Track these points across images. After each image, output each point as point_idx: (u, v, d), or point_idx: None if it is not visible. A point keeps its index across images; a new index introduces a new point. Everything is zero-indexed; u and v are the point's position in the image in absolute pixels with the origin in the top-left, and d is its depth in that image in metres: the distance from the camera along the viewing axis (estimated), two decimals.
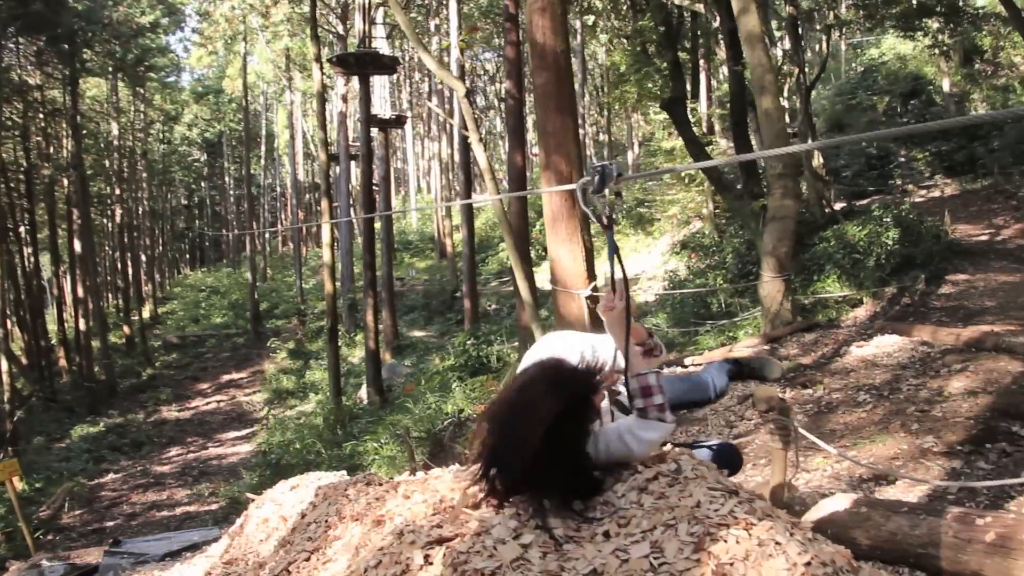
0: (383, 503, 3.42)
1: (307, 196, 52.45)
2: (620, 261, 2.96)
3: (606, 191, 2.82)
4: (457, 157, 30.15)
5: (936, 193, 23.10)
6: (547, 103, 9.72)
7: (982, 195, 21.21)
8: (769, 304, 11.30)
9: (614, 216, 2.99)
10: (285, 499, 5.65)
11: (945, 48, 26.31)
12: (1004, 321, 11.02)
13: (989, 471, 6.17)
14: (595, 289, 10.53)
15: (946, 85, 26.72)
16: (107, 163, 36.00)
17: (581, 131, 26.00)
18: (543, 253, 29.29)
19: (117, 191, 35.58)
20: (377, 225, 33.31)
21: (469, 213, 23.65)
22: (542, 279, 16.18)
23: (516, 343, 20.10)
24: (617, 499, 2.87)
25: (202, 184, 61.52)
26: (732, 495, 2.83)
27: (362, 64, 25.11)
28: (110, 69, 31.71)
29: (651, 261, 26.85)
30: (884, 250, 14.69)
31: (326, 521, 3.68)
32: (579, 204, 3.04)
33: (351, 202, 33.86)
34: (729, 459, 3.54)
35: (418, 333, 29.40)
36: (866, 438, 7.03)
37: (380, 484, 3.91)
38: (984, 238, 17.08)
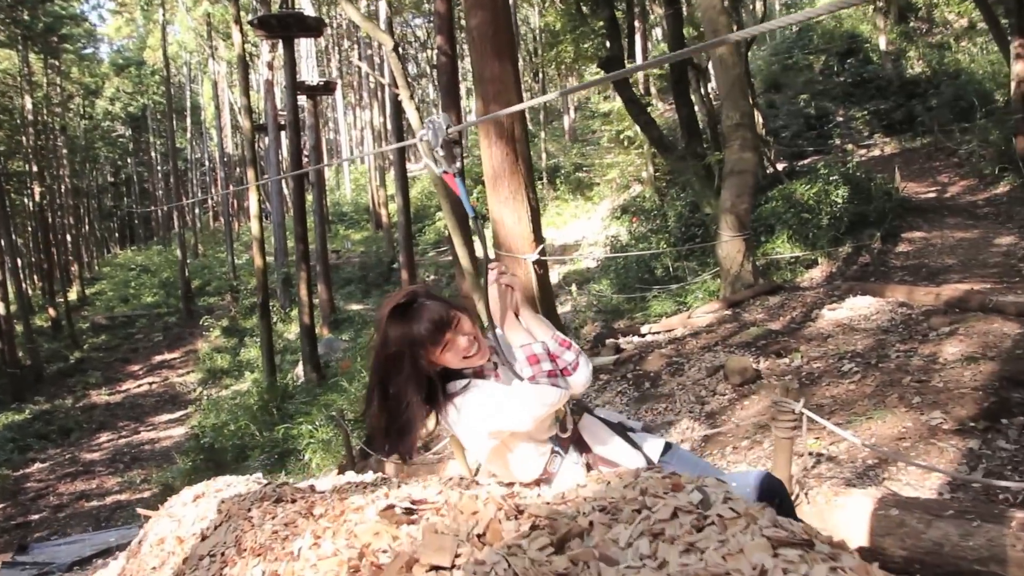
0: (292, 533, 2.72)
1: (237, 170, 50.33)
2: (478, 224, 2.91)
3: (440, 146, 2.79)
4: (390, 125, 28.79)
5: (876, 152, 22.63)
6: (483, 47, 8.58)
7: (923, 153, 20.81)
8: (729, 265, 10.35)
9: (457, 164, 2.91)
10: (185, 514, 4.74)
11: (880, 6, 25.74)
12: (970, 279, 10.32)
13: (1013, 451, 5.27)
14: (543, 252, 9.49)
15: (882, 43, 26.11)
16: (23, 139, 33.69)
17: None
18: (481, 221, 28.24)
19: (35, 168, 33.28)
20: (309, 197, 31.86)
21: (404, 182, 22.41)
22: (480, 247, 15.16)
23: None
24: (619, 550, 1.86)
25: (128, 161, 58.74)
26: (808, 548, 1.79)
27: (285, 26, 23.49)
28: (18, 39, 29.48)
29: (591, 227, 25.93)
30: (834, 209, 14.10)
31: (223, 555, 3.03)
32: (426, 158, 2.88)
33: (281, 174, 32.22)
34: (772, 494, 2.67)
35: (356, 306, 28.14)
36: (861, 414, 6.10)
37: (292, 500, 3.36)
38: (932, 195, 16.55)
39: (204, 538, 3.41)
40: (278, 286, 28.61)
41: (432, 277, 27.74)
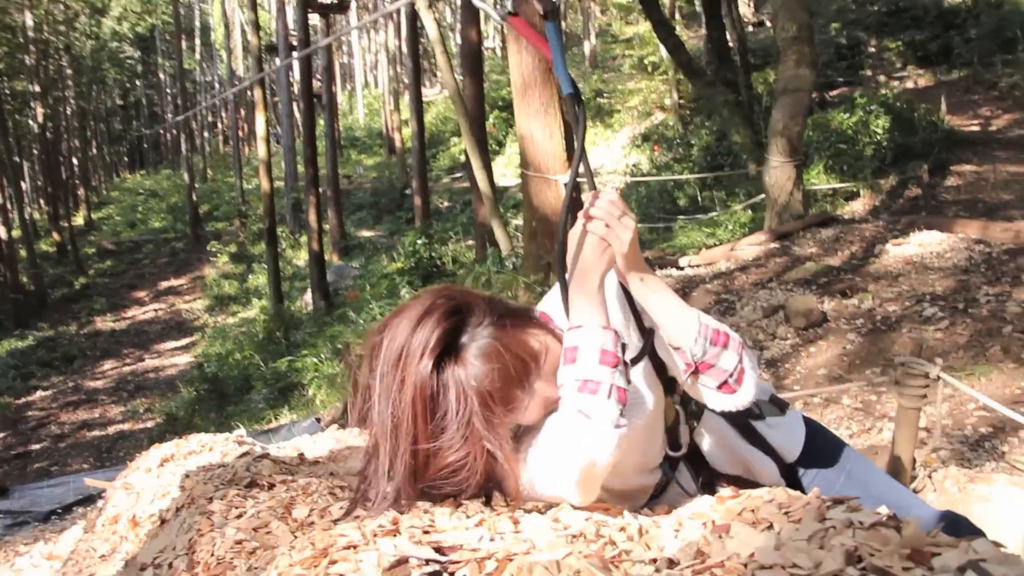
0: (261, 545, 2.06)
1: (248, 94, 48.53)
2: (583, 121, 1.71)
3: None
4: (405, 48, 27.42)
5: (910, 84, 21.29)
6: None
7: (960, 86, 19.57)
8: (776, 194, 9.29)
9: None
10: (145, 485, 3.93)
11: None
12: None
13: None
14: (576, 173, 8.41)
15: None
16: (25, 59, 32.25)
17: None
18: (497, 148, 27.13)
19: (37, 88, 31.88)
20: (320, 122, 30.67)
21: (419, 106, 21.23)
22: (497, 175, 14.21)
23: (472, 242, 18.14)
24: None
25: (137, 83, 56.92)
26: None
27: None
28: None
29: (611, 155, 24.72)
30: (876, 139, 12.98)
31: (170, 566, 2.34)
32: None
33: (291, 97, 30.93)
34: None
35: (366, 233, 27.13)
36: (958, 369, 5.10)
37: (269, 486, 2.76)
38: (976, 128, 15.33)
39: (163, 522, 2.81)
40: (287, 211, 27.60)
41: (446, 204, 26.67)
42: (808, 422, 2.09)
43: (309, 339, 14.42)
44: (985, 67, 19.14)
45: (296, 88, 31.27)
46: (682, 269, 9.28)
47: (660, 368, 1.74)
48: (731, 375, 1.62)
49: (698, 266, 9.20)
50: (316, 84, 30.53)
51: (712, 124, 18.64)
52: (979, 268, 6.82)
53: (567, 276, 1.59)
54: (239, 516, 2.40)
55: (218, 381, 14.99)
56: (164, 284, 30.05)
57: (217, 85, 47.13)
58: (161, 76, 52.84)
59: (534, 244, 8.89)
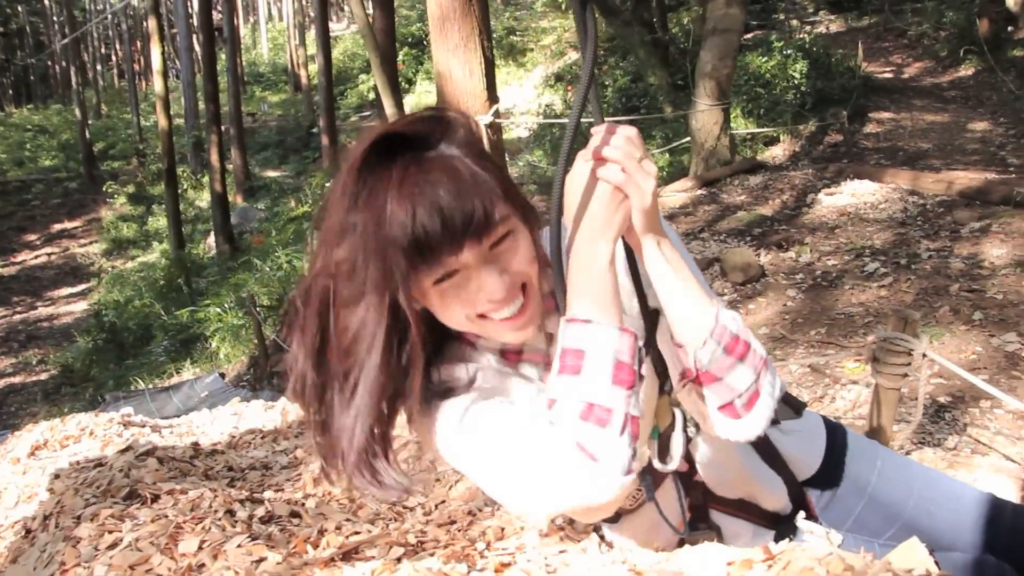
0: None
1: (144, 24, 45.61)
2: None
3: None
4: None
5: (822, 29, 21.17)
6: None
7: (871, 33, 19.60)
8: (703, 139, 8.91)
9: None
10: (10, 481, 3.36)
11: None
12: (952, 165, 9.12)
13: None
14: (497, 114, 7.85)
15: None
16: None
17: None
18: (407, 87, 26.15)
19: None
20: (222, 56, 29.12)
21: (326, 41, 20.13)
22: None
23: None
24: None
25: (19, 8, 53.06)
26: None
27: None
28: None
29: (523, 94, 24.08)
30: (794, 84, 12.71)
31: None
32: None
33: (190, 29, 29.16)
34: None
35: (272, 173, 25.95)
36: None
37: (153, 499, 2.35)
38: (889, 76, 15.22)
39: (28, 532, 2.43)
40: (188, 150, 26.14)
41: (354, 143, 25.66)
42: (827, 424, 1.70)
43: (213, 287, 13.62)
44: (895, 15, 19.17)
45: (196, 20, 29.51)
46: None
47: (658, 357, 1.33)
48: (740, 396, 1.23)
49: None
50: (216, 16, 28.88)
51: (627, 65, 18.20)
52: (916, 221, 6.56)
53: (566, 243, 1.15)
54: (112, 545, 1.99)
55: (116, 331, 14.09)
56: (57, 227, 28.23)
57: (110, 17, 44.40)
58: (46, 2, 49.28)
59: None
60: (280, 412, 4.53)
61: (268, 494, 2.85)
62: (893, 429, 3.33)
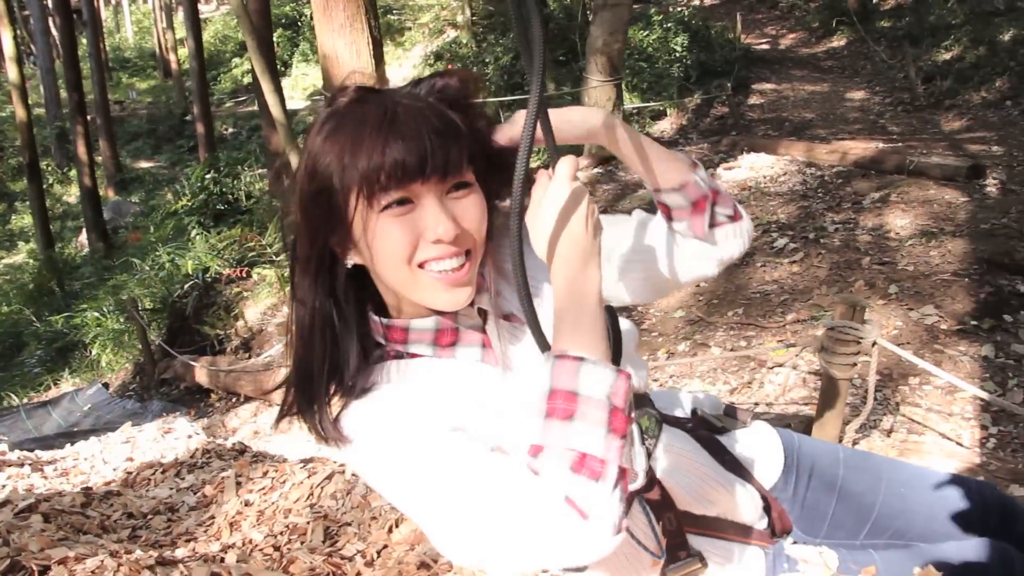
0: None
1: None
2: None
3: None
4: None
5: (697, 2, 21.30)
6: None
7: (745, 5, 19.71)
8: None
9: None
10: None
11: None
12: (840, 134, 9.22)
13: None
14: None
15: None
16: None
17: None
18: (282, 69, 25.14)
19: None
20: (83, 41, 27.37)
21: (196, 23, 19.00)
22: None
23: (262, 171, 16.60)
24: None
25: None
26: None
27: None
28: None
29: (403, 74, 23.51)
30: (677, 57, 12.70)
31: None
32: None
33: (45, 11, 27.24)
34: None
35: (145, 164, 24.56)
36: (824, 307, 4.67)
37: (42, 572, 1.93)
38: (767, 47, 15.40)
39: None
40: (52, 142, 24.47)
41: (231, 130, 24.53)
42: (777, 429, 1.65)
43: (88, 289, 12.65)
44: None
45: (50, 1, 27.59)
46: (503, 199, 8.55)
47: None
48: (734, 205, 1.42)
49: None
50: None
51: (507, 42, 17.91)
52: (817, 193, 6.49)
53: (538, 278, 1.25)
54: None
55: None
56: None
57: None
58: None
59: None
60: (180, 437, 4.04)
61: (181, 551, 2.43)
62: (842, 424, 3.16)
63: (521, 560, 0.97)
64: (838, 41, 14.63)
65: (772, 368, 4.28)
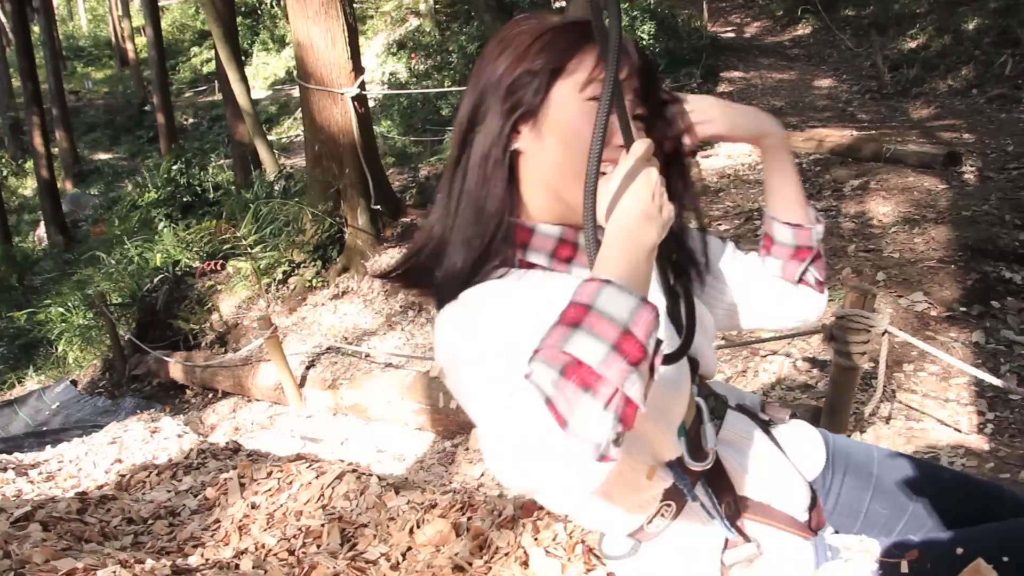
0: None
1: None
2: None
3: None
4: None
5: None
6: None
7: None
8: None
9: None
10: None
11: None
12: (810, 122, 9.26)
13: None
14: (363, 86, 7.31)
15: None
16: None
17: None
18: (244, 59, 24.73)
19: None
20: (35, 29, 26.68)
21: (154, 10, 18.59)
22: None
23: (224, 162, 16.34)
24: None
25: None
26: None
27: None
28: None
29: (366, 63, 23.19)
30: (644, 45, 12.65)
31: None
32: None
33: None
34: None
35: (104, 155, 24.05)
36: None
37: None
38: (733, 35, 15.43)
39: None
40: (5, 134, 23.90)
41: (191, 120, 24.10)
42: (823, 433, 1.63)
43: (51, 284, 12.31)
44: None
45: None
46: None
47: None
48: (826, 273, 1.47)
49: None
50: None
51: (472, 30, 17.78)
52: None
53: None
54: None
55: None
56: None
57: None
58: None
59: (319, 169, 7.68)
60: (169, 437, 3.92)
61: (193, 559, 2.33)
62: (850, 412, 3.15)
63: (506, 465, 0.91)
64: (803, 29, 14.70)
65: (766, 356, 4.27)
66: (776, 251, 1.42)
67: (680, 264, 1.31)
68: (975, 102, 9.09)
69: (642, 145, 1.06)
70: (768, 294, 1.45)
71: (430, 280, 1.22)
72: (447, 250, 1.18)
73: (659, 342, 0.93)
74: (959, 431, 3.56)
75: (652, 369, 0.92)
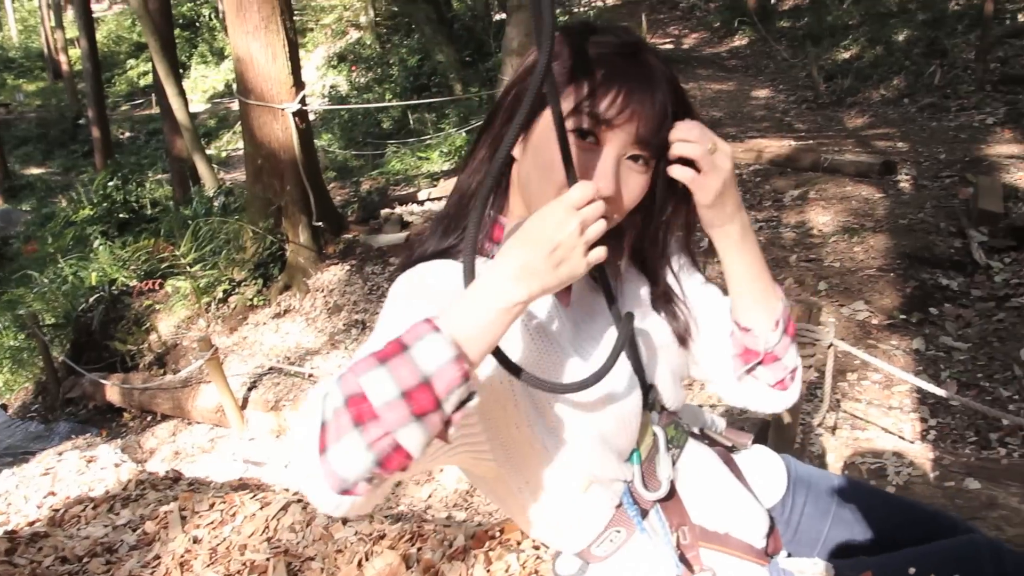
0: None
1: None
2: None
3: None
4: None
5: (599, 3, 21.46)
6: None
7: (646, 5, 19.94)
8: None
9: None
10: None
11: None
12: (749, 132, 9.38)
13: (966, 351, 4.11)
14: (304, 101, 7.19)
15: None
16: None
17: None
18: (181, 72, 24.30)
19: None
20: None
21: (89, 22, 18.06)
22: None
23: (161, 176, 16.02)
24: None
25: None
26: None
27: None
28: None
29: (306, 76, 22.98)
30: None
31: None
32: None
33: None
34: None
35: (36, 170, 23.41)
36: None
37: None
38: (671, 47, 15.61)
39: None
40: None
41: (127, 134, 23.59)
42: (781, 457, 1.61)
43: None
44: None
45: None
46: (423, 203, 8.37)
47: (638, 368, 1.22)
48: (789, 371, 1.30)
49: (439, 199, 8.33)
50: None
51: (412, 43, 17.73)
52: (740, 192, 6.58)
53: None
54: None
55: None
56: None
57: None
58: None
59: (260, 185, 7.53)
60: (106, 467, 3.76)
61: None
62: (797, 426, 3.15)
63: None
64: (740, 40, 14.93)
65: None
66: (732, 337, 1.32)
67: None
68: (907, 111, 9.30)
69: (579, 191, 0.97)
70: (721, 365, 1.35)
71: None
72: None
73: (467, 399, 0.91)
74: (903, 439, 3.60)
75: (448, 424, 0.90)
